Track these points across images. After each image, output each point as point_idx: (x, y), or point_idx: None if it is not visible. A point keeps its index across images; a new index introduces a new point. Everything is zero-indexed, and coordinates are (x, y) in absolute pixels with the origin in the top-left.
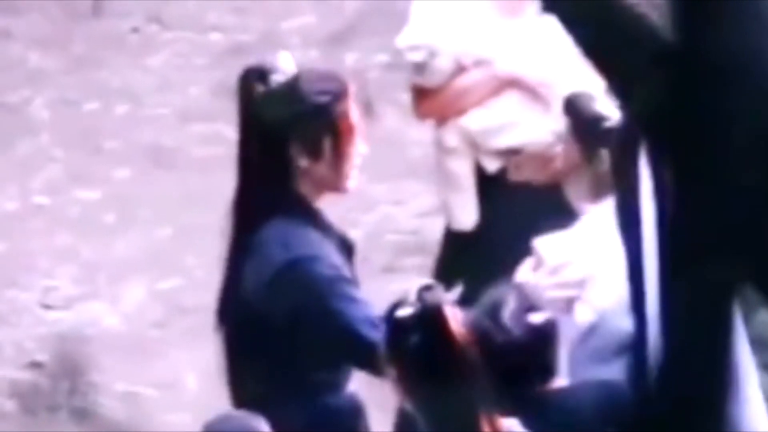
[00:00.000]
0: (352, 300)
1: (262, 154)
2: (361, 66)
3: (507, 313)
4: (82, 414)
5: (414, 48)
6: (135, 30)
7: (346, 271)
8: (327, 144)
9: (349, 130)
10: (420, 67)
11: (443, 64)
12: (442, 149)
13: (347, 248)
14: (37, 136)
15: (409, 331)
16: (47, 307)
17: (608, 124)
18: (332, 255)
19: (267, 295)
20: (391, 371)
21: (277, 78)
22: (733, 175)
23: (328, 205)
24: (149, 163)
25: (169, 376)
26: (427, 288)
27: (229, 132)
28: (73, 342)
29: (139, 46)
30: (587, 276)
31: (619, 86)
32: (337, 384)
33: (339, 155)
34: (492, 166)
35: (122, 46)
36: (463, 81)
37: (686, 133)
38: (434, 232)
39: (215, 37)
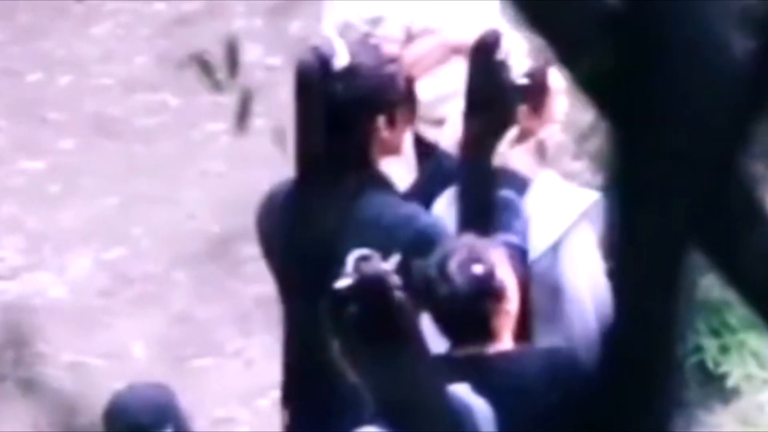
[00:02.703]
0: None
1: (348, 132)
2: (306, 34)
3: (454, 264)
4: (28, 384)
5: (366, 20)
6: (79, 0)
7: None
8: (401, 111)
9: (413, 93)
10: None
11: (395, 34)
12: None
13: None
14: None
15: (348, 302)
16: None
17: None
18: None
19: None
20: (334, 343)
21: (339, 61)
22: (678, 142)
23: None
24: (94, 133)
25: (115, 346)
26: (363, 258)
27: (174, 101)
28: (19, 312)
29: (83, 16)
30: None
31: (563, 52)
32: None
33: (407, 120)
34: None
35: (66, 16)
36: (412, 51)
37: (631, 100)
38: None
39: (159, 6)
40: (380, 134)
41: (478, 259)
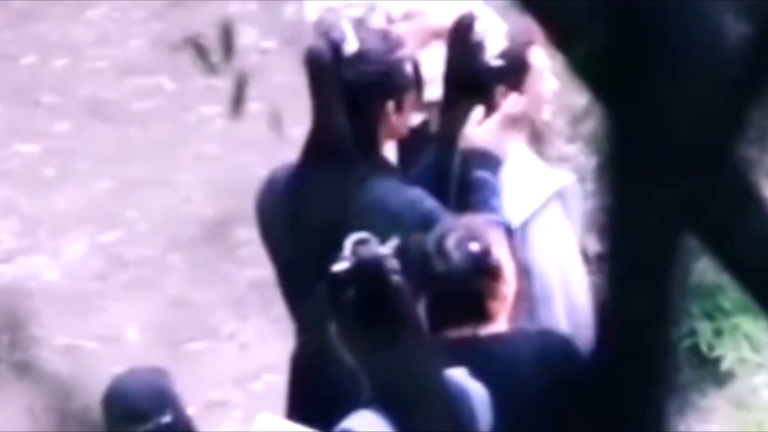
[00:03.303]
0: None
1: (358, 117)
2: (300, 18)
3: (452, 241)
4: (23, 368)
5: (351, 4)
6: None
7: None
8: (408, 95)
9: (421, 77)
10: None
11: (377, 18)
12: None
13: None
14: None
15: (346, 286)
16: None
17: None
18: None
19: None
20: (332, 327)
21: (349, 46)
22: (672, 126)
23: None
24: (88, 116)
25: (110, 330)
26: (361, 242)
27: (169, 85)
28: (14, 295)
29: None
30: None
31: (557, 37)
32: None
33: (414, 104)
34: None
35: (61, 0)
36: None
37: (626, 84)
38: None
39: None
40: (389, 119)
41: (475, 238)
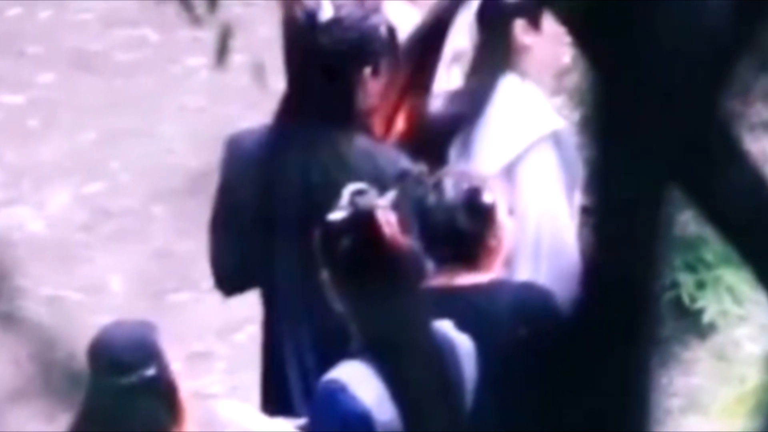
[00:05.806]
0: None
1: (336, 82)
2: None
3: (450, 181)
4: (7, 318)
5: None
6: None
7: None
8: (384, 60)
9: (396, 42)
10: None
11: None
12: None
13: None
14: None
15: (341, 235)
16: None
17: None
18: None
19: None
20: (325, 274)
21: (324, 14)
22: (657, 80)
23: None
24: (73, 67)
25: (94, 280)
26: (359, 192)
27: (154, 36)
28: None
29: None
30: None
31: None
32: None
33: (390, 69)
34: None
35: None
36: None
37: (611, 38)
38: None
39: None
40: (366, 84)
41: (471, 180)
